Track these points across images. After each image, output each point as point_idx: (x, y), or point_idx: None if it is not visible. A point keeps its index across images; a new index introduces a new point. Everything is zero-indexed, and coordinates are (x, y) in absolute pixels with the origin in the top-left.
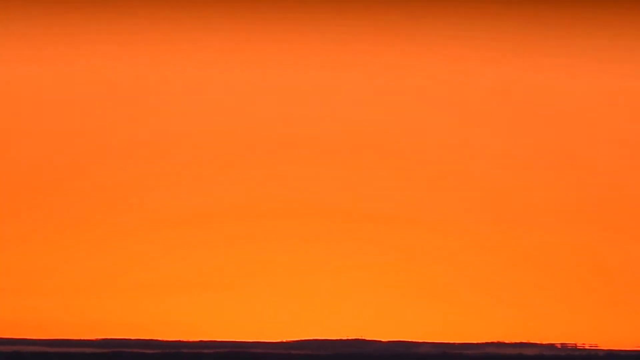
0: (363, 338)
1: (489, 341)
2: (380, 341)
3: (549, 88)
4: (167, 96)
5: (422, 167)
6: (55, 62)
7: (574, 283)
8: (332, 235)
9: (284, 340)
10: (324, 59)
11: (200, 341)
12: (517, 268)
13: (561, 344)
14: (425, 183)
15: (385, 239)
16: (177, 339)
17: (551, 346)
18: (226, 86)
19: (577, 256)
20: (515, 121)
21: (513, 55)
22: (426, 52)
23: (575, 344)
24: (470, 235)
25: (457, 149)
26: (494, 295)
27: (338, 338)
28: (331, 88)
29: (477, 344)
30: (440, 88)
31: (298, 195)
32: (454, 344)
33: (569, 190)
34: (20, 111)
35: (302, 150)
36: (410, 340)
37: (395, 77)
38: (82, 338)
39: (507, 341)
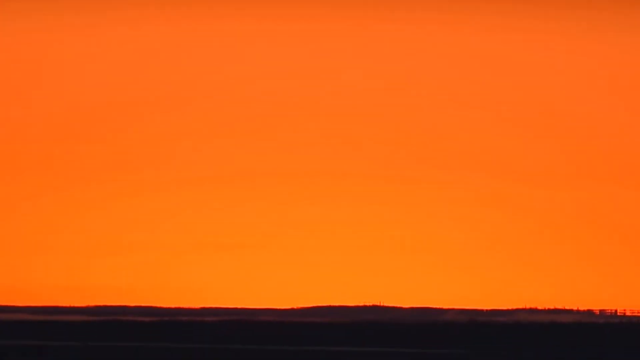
0: (382, 304)
1: (520, 307)
2: (400, 307)
3: (547, 48)
4: (174, 56)
5: (442, 128)
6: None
7: (612, 246)
8: (349, 197)
9: (295, 307)
10: (325, 24)
11: (202, 308)
12: (550, 230)
13: (600, 310)
14: (444, 144)
15: (407, 201)
16: (176, 306)
17: (589, 312)
18: (237, 52)
19: (614, 218)
20: (518, 80)
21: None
22: (425, 16)
23: (616, 310)
24: (497, 193)
25: (466, 109)
26: (525, 258)
27: (354, 304)
28: (332, 48)
29: (507, 310)
30: (439, 47)
31: (309, 156)
32: (481, 310)
33: (586, 149)
34: (30, 68)
35: (309, 111)
36: (434, 306)
37: (392, 39)
38: (73, 305)
39: (539, 307)
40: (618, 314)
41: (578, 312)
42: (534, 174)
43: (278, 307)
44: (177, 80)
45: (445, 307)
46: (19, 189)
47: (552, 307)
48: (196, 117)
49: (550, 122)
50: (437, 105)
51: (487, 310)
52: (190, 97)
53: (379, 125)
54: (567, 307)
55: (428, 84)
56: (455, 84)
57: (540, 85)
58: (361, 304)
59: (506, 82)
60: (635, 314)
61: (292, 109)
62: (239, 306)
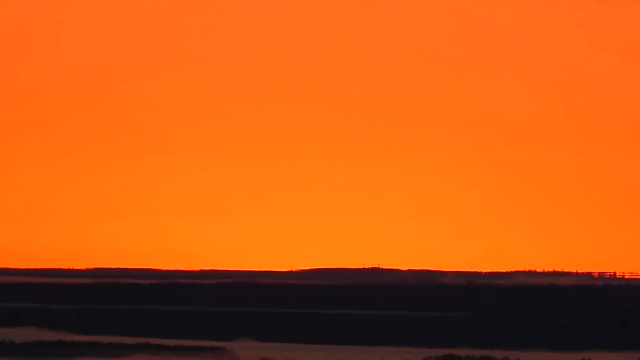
0: (380, 266)
1: (519, 270)
2: (399, 270)
3: (549, 5)
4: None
5: (443, 87)
6: None
7: (612, 209)
8: (349, 160)
9: (294, 269)
10: None
11: (201, 270)
12: (550, 192)
13: (599, 272)
14: (444, 107)
15: (407, 164)
16: (176, 268)
17: (588, 275)
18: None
19: (614, 181)
20: (519, 44)
21: None
22: None
23: (615, 273)
24: (497, 156)
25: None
26: (525, 221)
27: (353, 267)
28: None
29: (506, 272)
30: (441, 10)
31: (311, 119)
32: (481, 273)
33: (586, 113)
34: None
35: (311, 73)
36: (432, 269)
37: None
38: (72, 268)
39: (538, 270)
40: (617, 276)
41: (577, 274)
42: (533, 137)
43: (277, 269)
44: (180, 41)
45: (445, 269)
46: (18, 152)
47: (551, 269)
48: (195, 81)
49: (550, 86)
50: (436, 69)
51: (486, 272)
52: (189, 61)
53: (380, 88)
54: (566, 270)
55: (430, 47)
56: (458, 48)
57: (541, 49)
58: (361, 266)
59: (507, 47)
60: (634, 276)
61: (294, 70)
62: (238, 269)
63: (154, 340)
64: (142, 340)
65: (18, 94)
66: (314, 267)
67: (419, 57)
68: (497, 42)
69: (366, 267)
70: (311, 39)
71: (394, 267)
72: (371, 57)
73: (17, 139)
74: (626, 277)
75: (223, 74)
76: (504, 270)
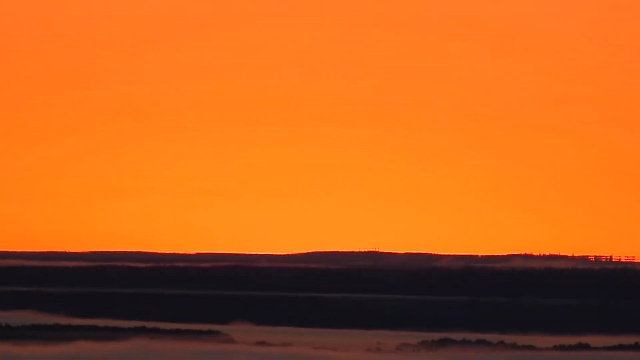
0: (377, 250)
1: (515, 253)
2: (396, 253)
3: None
4: None
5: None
6: None
7: (608, 193)
8: (346, 144)
9: (291, 253)
10: None
11: (198, 254)
12: (546, 175)
13: (595, 256)
14: (440, 90)
15: (403, 147)
16: (172, 252)
17: (584, 259)
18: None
19: (611, 165)
20: (512, 24)
21: None
22: None
23: (611, 256)
24: (494, 139)
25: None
26: (522, 205)
27: (350, 250)
28: None
29: (502, 256)
30: None
31: (308, 101)
32: (477, 256)
33: (584, 96)
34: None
35: (305, 61)
36: (429, 252)
37: None
38: (67, 250)
39: (535, 253)
40: (613, 260)
41: (574, 258)
42: (530, 121)
43: (274, 253)
44: (171, 24)
45: (441, 253)
46: (16, 136)
47: (547, 253)
48: (191, 64)
49: (545, 69)
50: (432, 51)
51: (482, 256)
52: (184, 44)
53: (377, 71)
54: (562, 254)
55: (424, 29)
56: (451, 29)
57: (535, 32)
58: (357, 250)
59: (500, 25)
60: (630, 260)
61: (291, 49)
62: (235, 252)
63: (150, 324)
64: (139, 323)
65: (16, 78)
66: (311, 251)
67: (418, 41)
68: (493, 24)
69: (363, 250)
70: (305, 27)
71: (391, 251)
72: (366, 43)
73: (14, 122)
74: (622, 260)
75: (219, 56)
76: (500, 254)
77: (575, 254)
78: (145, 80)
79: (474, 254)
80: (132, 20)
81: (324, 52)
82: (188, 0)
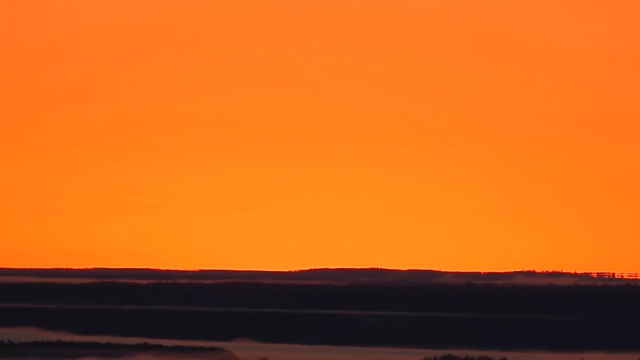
0: (380, 267)
1: (518, 270)
2: (399, 270)
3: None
4: None
5: (440, 84)
6: None
7: (611, 209)
8: (347, 160)
9: (294, 270)
10: None
11: (200, 270)
12: (549, 192)
13: (598, 273)
14: (444, 106)
15: (405, 164)
16: (175, 268)
17: (586, 276)
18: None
19: (614, 181)
20: (519, 41)
21: None
22: None
23: (614, 274)
24: (497, 156)
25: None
26: (524, 222)
27: (353, 267)
28: None
29: (504, 273)
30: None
31: (310, 118)
32: (479, 273)
33: (587, 112)
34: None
35: (311, 63)
36: (431, 269)
37: None
38: (70, 267)
39: (537, 270)
40: (616, 277)
41: (576, 275)
42: (533, 138)
43: (276, 269)
44: (182, 40)
45: (443, 270)
46: (18, 152)
47: (550, 270)
48: (194, 80)
49: (549, 86)
50: (439, 67)
51: (485, 273)
52: (189, 58)
53: (379, 86)
54: (565, 270)
55: (432, 41)
56: (460, 42)
57: (540, 46)
58: (360, 266)
59: (508, 45)
60: (633, 277)
61: (298, 67)
62: (237, 269)
63: (152, 341)
64: (141, 340)
65: (18, 92)
66: (313, 268)
67: (420, 55)
68: (497, 40)
69: (366, 267)
70: (311, 38)
71: (394, 268)
72: (373, 58)
73: (16, 138)
74: (625, 277)
75: (224, 72)
76: (502, 271)
77: (578, 271)
78: (146, 97)
79: (476, 270)
80: (129, 38)
81: (331, 67)
82: (190, 17)
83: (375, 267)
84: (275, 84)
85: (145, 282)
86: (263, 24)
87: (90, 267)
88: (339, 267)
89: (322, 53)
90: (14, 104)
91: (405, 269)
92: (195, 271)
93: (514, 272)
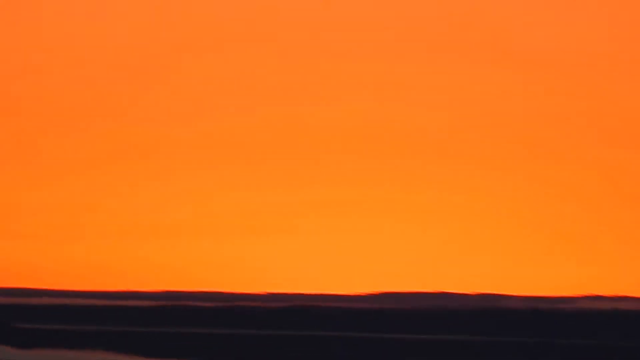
0: (447, 291)
1: (582, 294)
2: (466, 294)
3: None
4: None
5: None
6: None
7: None
8: (416, 182)
9: (359, 294)
10: None
11: (267, 293)
12: (612, 215)
13: None
14: (499, 124)
15: (468, 186)
16: (240, 291)
17: None
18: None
19: None
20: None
21: None
22: None
23: None
24: (561, 179)
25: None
26: (587, 246)
27: (418, 291)
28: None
29: (569, 297)
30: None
31: (357, 127)
32: (544, 297)
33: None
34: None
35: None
36: (498, 293)
37: None
38: (136, 290)
39: (602, 294)
40: None
41: None
42: (595, 161)
43: (343, 293)
44: (207, 55)
45: (509, 294)
46: (64, 167)
47: (615, 294)
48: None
49: (606, 107)
50: (473, 82)
51: (549, 297)
52: (220, 71)
53: (425, 100)
54: (629, 295)
55: (451, 49)
56: (477, 53)
57: (562, 51)
58: (426, 290)
59: (531, 49)
60: None
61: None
62: (304, 292)
63: None
64: None
65: (47, 100)
66: (378, 291)
67: (440, 69)
68: (514, 44)
69: (432, 291)
70: (319, 45)
71: (460, 291)
72: (374, 71)
73: (56, 154)
74: None
75: (257, 87)
76: (567, 295)
77: None
78: (196, 114)
79: (541, 294)
80: (131, 64)
81: (356, 84)
82: (208, 36)
83: (442, 291)
84: (304, 101)
85: (210, 304)
86: (270, 49)
87: (155, 289)
88: (405, 290)
89: (347, 69)
90: (46, 117)
91: (472, 292)
92: (261, 294)
93: (578, 296)
